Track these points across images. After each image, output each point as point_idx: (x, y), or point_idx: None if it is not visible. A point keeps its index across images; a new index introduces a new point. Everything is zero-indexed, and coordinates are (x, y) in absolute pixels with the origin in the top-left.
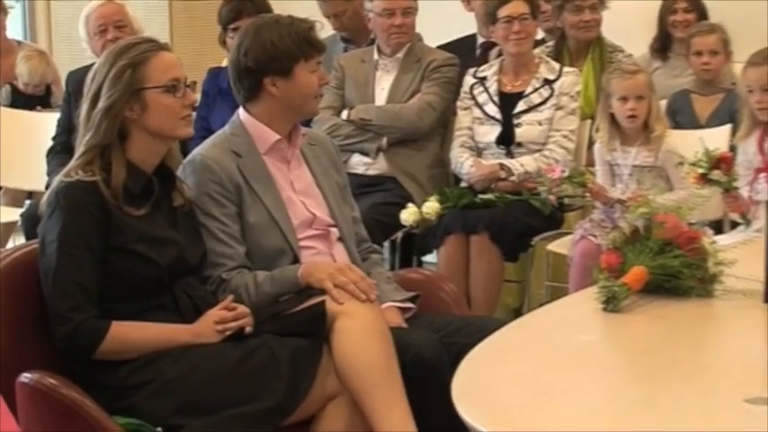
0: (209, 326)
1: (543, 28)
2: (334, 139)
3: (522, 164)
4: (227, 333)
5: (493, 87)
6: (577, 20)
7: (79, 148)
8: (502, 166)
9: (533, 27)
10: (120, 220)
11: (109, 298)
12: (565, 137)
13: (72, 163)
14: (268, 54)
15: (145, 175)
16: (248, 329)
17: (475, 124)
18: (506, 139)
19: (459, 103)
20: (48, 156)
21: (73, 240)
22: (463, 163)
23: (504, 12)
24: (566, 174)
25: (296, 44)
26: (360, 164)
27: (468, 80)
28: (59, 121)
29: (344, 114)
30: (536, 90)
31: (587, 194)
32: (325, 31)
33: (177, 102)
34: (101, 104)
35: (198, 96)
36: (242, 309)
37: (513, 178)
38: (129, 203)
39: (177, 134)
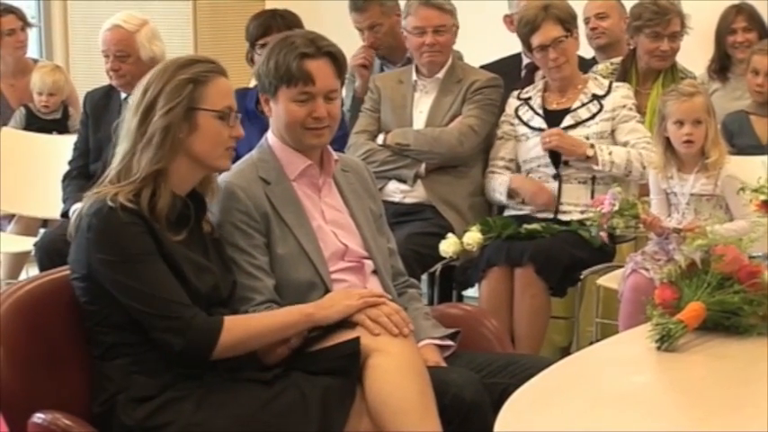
0: (339, 302)
1: (594, 45)
2: (369, 165)
3: (612, 152)
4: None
5: (537, 103)
6: (654, 47)
7: (131, 170)
8: (592, 146)
9: (573, 45)
10: (166, 245)
11: (141, 328)
12: (648, 142)
13: (125, 186)
14: (260, 72)
15: (180, 200)
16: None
17: (521, 141)
18: (554, 158)
19: (497, 131)
20: (63, 181)
21: (139, 256)
22: (500, 183)
23: (536, 40)
24: (615, 207)
25: (276, 68)
26: (396, 191)
27: (513, 102)
28: (76, 144)
29: (380, 139)
30: (584, 105)
31: (640, 226)
32: (358, 44)
33: (226, 130)
34: (158, 121)
35: None
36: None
37: (597, 167)
38: (169, 229)
39: (217, 164)
